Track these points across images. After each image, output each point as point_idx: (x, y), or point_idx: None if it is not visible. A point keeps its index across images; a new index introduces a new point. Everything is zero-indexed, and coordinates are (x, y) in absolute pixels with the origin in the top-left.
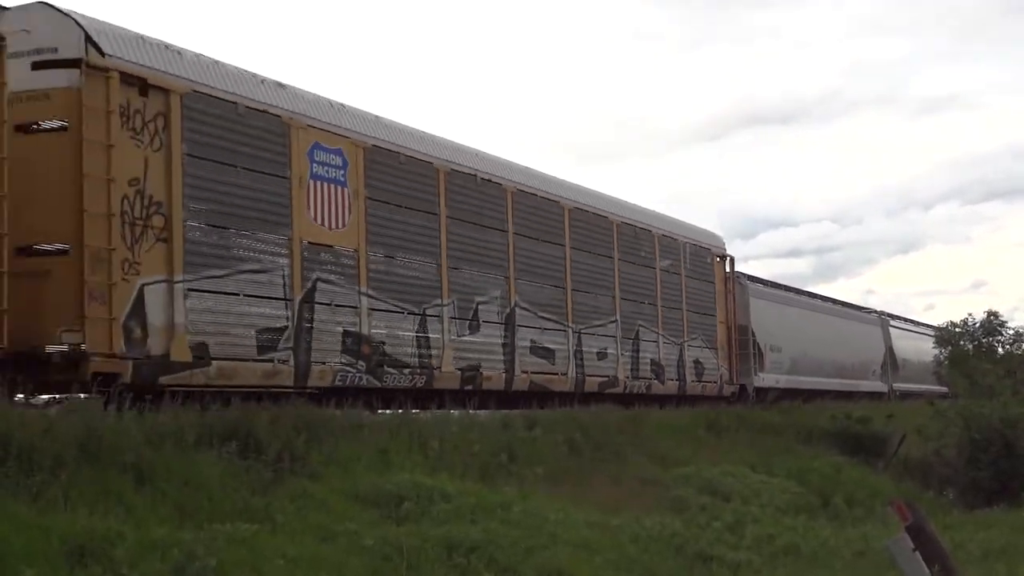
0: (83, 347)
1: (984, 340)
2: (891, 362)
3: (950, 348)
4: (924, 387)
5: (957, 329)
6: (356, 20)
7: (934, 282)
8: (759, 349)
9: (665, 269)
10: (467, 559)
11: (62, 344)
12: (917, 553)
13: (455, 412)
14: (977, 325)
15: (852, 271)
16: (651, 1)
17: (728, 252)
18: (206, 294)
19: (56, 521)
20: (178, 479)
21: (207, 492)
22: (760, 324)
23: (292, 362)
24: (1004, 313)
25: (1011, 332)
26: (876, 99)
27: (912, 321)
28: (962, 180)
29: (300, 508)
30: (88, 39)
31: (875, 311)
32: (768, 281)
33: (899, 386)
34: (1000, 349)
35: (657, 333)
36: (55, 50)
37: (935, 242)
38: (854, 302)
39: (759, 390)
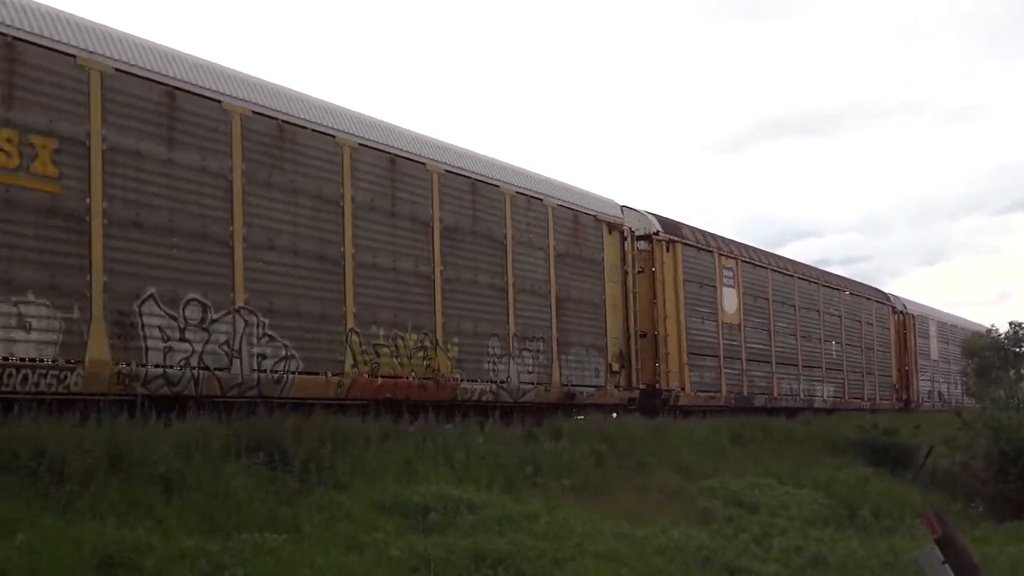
0: None
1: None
2: None
3: (976, 359)
4: None
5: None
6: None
7: (960, 293)
8: None
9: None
10: (494, 570)
11: None
12: (947, 566)
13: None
14: (1001, 336)
15: (878, 281)
16: (675, 11)
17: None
18: None
19: (86, 532)
20: (206, 490)
21: (235, 502)
22: None
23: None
24: None
25: None
26: (902, 108)
27: None
28: (989, 190)
29: (327, 518)
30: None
31: None
32: None
33: None
34: None
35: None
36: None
37: (962, 253)
38: None
39: None
